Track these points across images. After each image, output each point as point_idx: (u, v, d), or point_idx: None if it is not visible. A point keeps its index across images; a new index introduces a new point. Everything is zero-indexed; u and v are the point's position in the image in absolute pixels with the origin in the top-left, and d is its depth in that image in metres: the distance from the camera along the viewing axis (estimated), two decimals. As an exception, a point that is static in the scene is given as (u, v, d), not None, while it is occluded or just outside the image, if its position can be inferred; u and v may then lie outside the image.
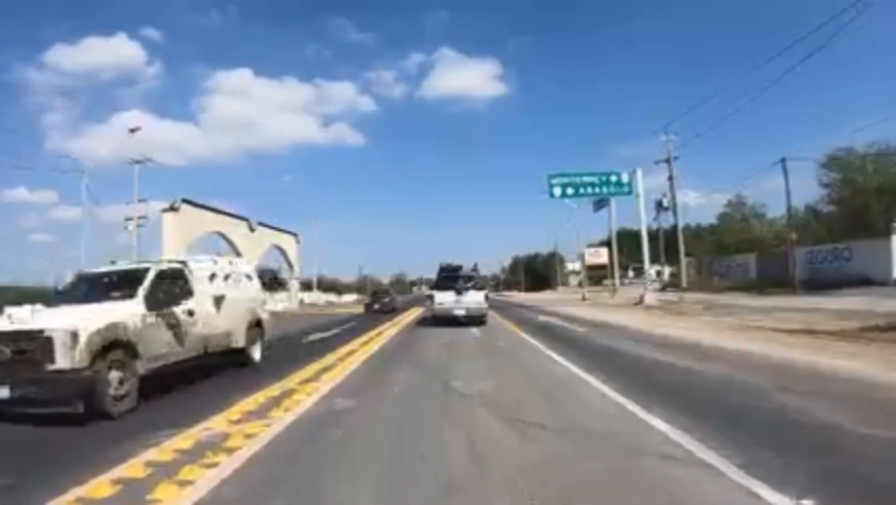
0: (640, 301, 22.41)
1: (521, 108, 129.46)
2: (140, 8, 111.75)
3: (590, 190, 22.29)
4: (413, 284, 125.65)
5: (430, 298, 15.97)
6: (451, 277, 15.71)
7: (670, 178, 31.08)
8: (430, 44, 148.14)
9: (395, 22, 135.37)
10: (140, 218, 33.95)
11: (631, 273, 66.53)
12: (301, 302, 51.17)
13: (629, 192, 22.89)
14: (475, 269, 17.04)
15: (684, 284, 29.41)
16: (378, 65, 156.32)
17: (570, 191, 22.03)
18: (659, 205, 34.47)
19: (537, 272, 75.90)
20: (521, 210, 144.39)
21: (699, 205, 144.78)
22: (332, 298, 64.60)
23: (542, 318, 19.02)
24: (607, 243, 74.55)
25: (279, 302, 48.58)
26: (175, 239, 32.35)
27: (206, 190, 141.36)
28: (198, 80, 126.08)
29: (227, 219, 37.51)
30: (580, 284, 56.82)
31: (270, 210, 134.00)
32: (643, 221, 23.11)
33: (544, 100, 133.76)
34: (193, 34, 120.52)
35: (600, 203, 30.72)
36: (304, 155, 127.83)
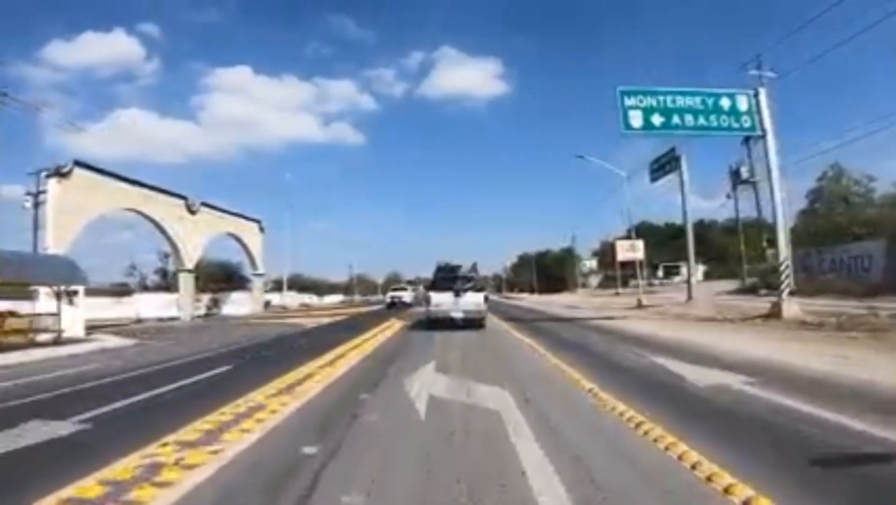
0: (775, 313, 13.03)
1: (522, 107, 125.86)
2: (137, 3, 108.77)
3: (689, 119, 13.02)
4: (410, 283, 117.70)
5: (427, 299, 15.01)
6: (448, 278, 14.91)
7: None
8: (431, 42, 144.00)
9: (396, 20, 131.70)
10: (41, 193, 24.43)
11: (660, 272, 56.92)
12: (267, 305, 41.70)
13: (751, 128, 13.67)
14: (474, 268, 15.84)
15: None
16: (378, 63, 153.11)
17: (657, 119, 12.73)
18: (736, 176, 25.21)
19: (549, 271, 66.24)
20: (521, 210, 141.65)
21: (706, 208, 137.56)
22: (312, 299, 55.15)
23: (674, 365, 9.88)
24: (626, 236, 65.62)
25: (240, 305, 39.29)
26: (67, 218, 22.98)
27: (206, 190, 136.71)
28: (196, 78, 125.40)
29: (151, 194, 28.08)
30: (617, 285, 47.22)
31: (270, 210, 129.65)
32: (775, 179, 13.72)
33: (545, 99, 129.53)
34: (191, 31, 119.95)
35: (663, 168, 21.42)
36: (303, 154, 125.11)
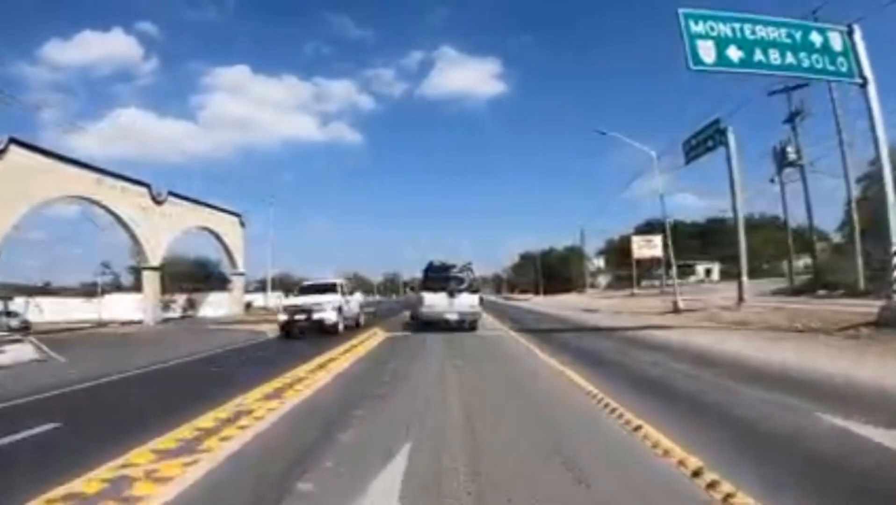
0: (884, 320, 9.49)
1: (521, 107, 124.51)
2: (135, 2, 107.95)
3: (775, 56, 9.49)
4: (406, 284, 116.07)
5: (420, 299, 13.85)
6: (441, 277, 13.80)
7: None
8: (430, 42, 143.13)
9: (395, 19, 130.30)
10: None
11: (672, 271, 53.13)
12: (248, 307, 38.18)
13: (848, 72, 10.18)
14: (468, 268, 14.24)
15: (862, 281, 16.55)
16: (377, 63, 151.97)
17: (734, 52, 9.17)
18: (781, 157, 21.71)
19: (553, 270, 62.39)
20: (520, 209, 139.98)
21: (708, 206, 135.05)
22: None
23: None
24: (638, 232, 61.63)
25: (218, 307, 35.76)
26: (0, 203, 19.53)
27: (204, 189, 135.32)
28: (195, 77, 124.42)
29: (106, 180, 24.54)
30: (633, 284, 43.27)
31: (268, 209, 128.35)
32: (881, 140, 10.23)
33: (545, 98, 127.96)
34: (190, 30, 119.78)
35: (702, 145, 17.89)
36: (302, 153, 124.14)
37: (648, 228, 60.32)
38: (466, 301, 13.17)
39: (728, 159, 16.50)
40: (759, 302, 16.21)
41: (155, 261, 27.26)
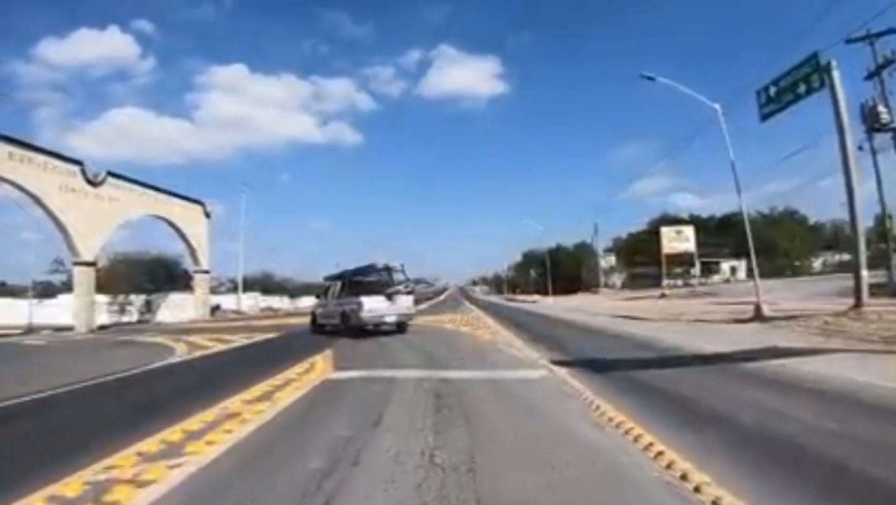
0: None
1: (522, 106, 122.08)
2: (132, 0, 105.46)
3: None
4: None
5: (359, 305, 12.50)
6: (373, 281, 13.71)
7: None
8: (429, 40, 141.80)
9: (394, 17, 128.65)
10: None
11: (695, 269, 47.67)
12: (216, 309, 33.39)
13: None
14: (397, 269, 13.85)
15: None
16: (376, 61, 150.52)
17: None
18: (872, 119, 16.88)
19: (561, 269, 56.65)
20: (521, 209, 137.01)
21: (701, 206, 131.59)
22: (283, 302, 46.99)
23: None
24: (651, 229, 56.38)
25: (181, 310, 30.91)
26: None
27: (203, 188, 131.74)
28: (192, 76, 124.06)
29: (22, 153, 19.69)
30: (662, 284, 37.37)
31: (266, 209, 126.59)
32: None
33: (544, 98, 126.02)
34: (187, 28, 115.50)
35: (791, 90, 13.13)
36: (300, 152, 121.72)
37: (660, 226, 55.77)
38: (404, 304, 13.22)
39: (834, 104, 11.70)
40: (881, 306, 11.37)
41: (88, 255, 22.46)
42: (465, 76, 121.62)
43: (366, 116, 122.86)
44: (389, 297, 12.80)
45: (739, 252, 52.60)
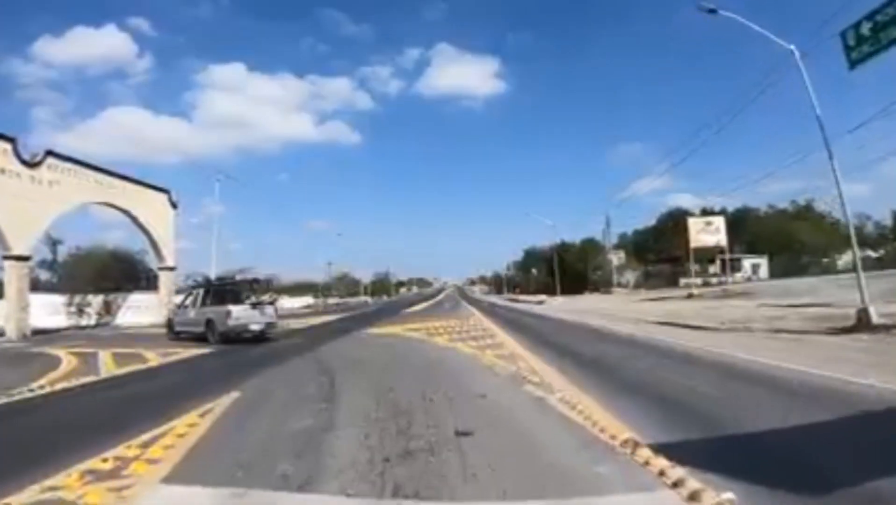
0: None
1: (521, 105, 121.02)
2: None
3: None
4: (401, 284, 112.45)
5: (227, 313, 13.10)
6: (238, 291, 14.82)
7: None
8: (427, 39, 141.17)
9: (392, 16, 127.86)
10: None
11: (715, 266, 43.59)
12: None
13: None
14: (269, 283, 16.63)
15: None
16: (374, 60, 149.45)
17: None
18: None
19: (567, 267, 52.56)
20: (520, 208, 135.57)
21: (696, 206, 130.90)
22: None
23: None
24: (661, 224, 53.03)
25: (144, 311, 27.48)
26: None
27: (202, 187, 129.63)
28: (189, 75, 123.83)
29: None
30: (691, 284, 32.87)
31: (265, 208, 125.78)
32: None
33: (544, 97, 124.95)
34: (184, 26, 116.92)
35: (893, 23, 9.84)
36: (298, 152, 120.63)
37: (669, 222, 52.58)
38: (269, 312, 14.00)
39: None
40: None
41: (18, 247, 19.03)
42: (464, 75, 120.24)
43: (364, 115, 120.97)
44: (255, 306, 13.73)
45: (752, 250, 49.29)
